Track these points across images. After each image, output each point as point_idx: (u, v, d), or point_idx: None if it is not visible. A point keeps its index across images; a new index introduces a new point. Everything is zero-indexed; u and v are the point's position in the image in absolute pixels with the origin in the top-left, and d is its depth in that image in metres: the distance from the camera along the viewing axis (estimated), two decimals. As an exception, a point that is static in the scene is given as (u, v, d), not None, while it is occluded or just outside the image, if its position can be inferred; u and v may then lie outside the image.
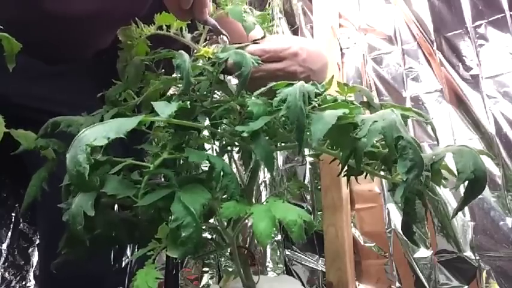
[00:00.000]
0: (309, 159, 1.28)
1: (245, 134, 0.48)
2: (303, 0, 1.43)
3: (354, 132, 0.47)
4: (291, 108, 0.45)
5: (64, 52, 0.87)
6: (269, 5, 1.47)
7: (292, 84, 0.49)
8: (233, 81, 0.63)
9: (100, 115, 0.64)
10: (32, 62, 0.85)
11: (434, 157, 0.51)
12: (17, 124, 0.64)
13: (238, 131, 0.49)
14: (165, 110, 0.46)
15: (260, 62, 0.57)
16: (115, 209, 0.62)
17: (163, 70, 0.70)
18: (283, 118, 0.48)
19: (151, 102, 0.49)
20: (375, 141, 0.48)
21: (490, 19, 1.06)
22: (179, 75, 0.52)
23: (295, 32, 1.44)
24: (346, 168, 0.56)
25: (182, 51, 0.55)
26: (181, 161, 0.56)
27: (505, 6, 1.04)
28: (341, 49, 1.29)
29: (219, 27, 0.70)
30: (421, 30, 1.16)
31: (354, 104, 0.55)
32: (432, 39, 1.13)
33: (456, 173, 0.48)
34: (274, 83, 0.51)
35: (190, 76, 0.52)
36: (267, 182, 1.40)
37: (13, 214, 1.33)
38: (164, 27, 0.67)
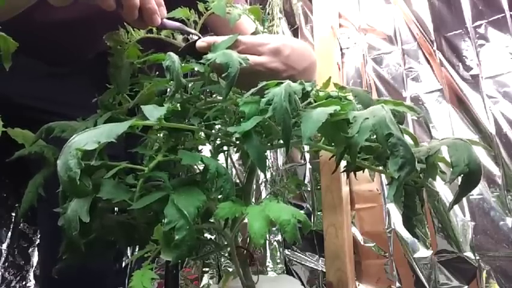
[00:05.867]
0: (309, 159, 1.29)
1: (237, 135, 0.47)
2: (303, 0, 1.43)
3: (348, 127, 0.47)
4: (277, 110, 0.45)
5: (64, 54, 0.87)
6: (269, 5, 1.47)
7: (282, 83, 0.49)
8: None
9: (94, 120, 0.63)
10: (33, 62, 0.85)
11: (429, 150, 0.51)
12: (19, 124, 0.64)
13: (230, 130, 0.49)
14: (154, 113, 0.46)
15: (248, 60, 0.55)
16: (115, 212, 0.62)
17: (157, 73, 0.70)
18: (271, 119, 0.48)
19: (141, 106, 0.49)
20: (370, 137, 0.47)
21: (490, 19, 1.06)
22: (169, 76, 0.52)
23: (295, 32, 1.44)
24: (343, 164, 0.56)
25: (171, 53, 0.54)
26: (176, 163, 0.56)
27: (505, 6, 1.04)
28: (341, 49, 1.29)
29: (184, 27, 0.69)
30: (421, 30, 1.16)
31: (346, 99, 0.55)
32: (432, 39, 1.13)
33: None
34: (265, 82, 0.51)
35: (181, 77, 0.52)
36: (268, 182, 1.40)
37: (13, 214, 1.33)
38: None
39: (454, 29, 1.10)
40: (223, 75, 0.51)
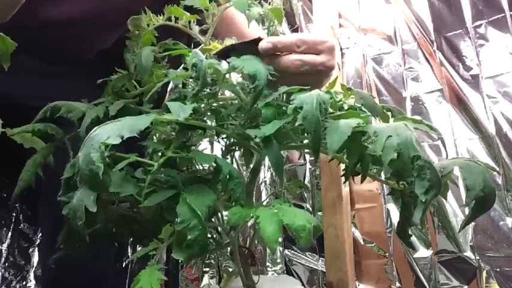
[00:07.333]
0: (309, 159, 1.29)
1: (257, 139, 0.46)
2: (303, 0, 1.44)
3: (363, 138, 0.46)
4: (308, 118, 0.44)
5: (65, 53, 0.87)
6: (269, 5, 1.47)
7: (305, 89, 0.48)
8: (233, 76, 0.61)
9: (104, 106, 0.62)
10: (34, 62, 0.85)
11: (441, 170, 0.50)
12: (20, 124, 0.64)
13: (245, 131, 0.48)
14: (180, 112, 0.45)
15: (275, 73, 0.54)
16: (115, 203, 0.62)
17: (166, 61, 0.69)
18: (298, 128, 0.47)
19: (166, 102, 0.48)
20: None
21: (490, 19, 1.06)
22: (195, 74, 0.51)
23: (295, 32, 1.44)
24: (344, 167, 0.55)
25: (197, 50, 0.54)
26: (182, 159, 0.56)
27: (505, 6, 1.04)
28: (341, 49, 1.29)
29: None
30: (421, 30, 1.16)
31: (361, 110, 0.54)
32: (432, 39, 1.13)
33: (461, 183, 0.48)
34: (288, 88, 0.50)
35: (207, 76, 0.51)
36: (267, 182, 1.40)
37: (13, 214, 1.33)
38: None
39: (454, 29, 1.10)
40: (251, 86, 0.50)
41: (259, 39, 0.62)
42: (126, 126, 0.44)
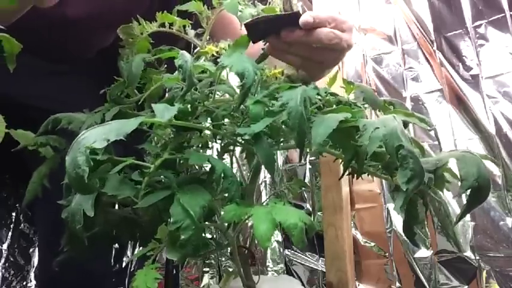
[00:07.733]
0: (309, 159, 1.29)
1: (247, 137, 0.47)
2: (303, 0, 1.44)
3: (356, 134, 0.47)
4: (292, 114, 0.44)
5: (66, 52, 0.87)
6: (269, 5, 1.47)
7: (294, 87, 0.48)
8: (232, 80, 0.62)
9: (101, 113, 0.63)
10: (35, 61, 0.85)
11: (437, 162, 0.50)
12: (21, 124, 0.64)
13: (239, 131, 0.49)
14: (164, 113, 0.46)
15: (263, 68, 0.55)
16: (115, 206, 0.62)
17: (165, 66, 0.69)
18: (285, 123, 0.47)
19: (152, 104, 0.48)
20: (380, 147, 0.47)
21: (490, 19, 1.06)
22: (181, 76, 0.51)
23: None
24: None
25: (184, 52, 0.54)
26: (181, 161, 0.56)
27: (505, 6, 1.04)
28: (341, 49, 1.29)
29: None
30: (421, 30, 1.16)
31: (356, 105, 0.55)
32: (432, 39, 1.13)
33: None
34: (278, 85, 0.51)
35: (193, 77, 0.51)
36: (267, 182, 1.40)
37: (13, 214, 1.33)
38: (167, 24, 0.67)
39: (454, 29, 1.10)
40: (238, 85, 0.51)
41: (299, 14, 0.63)
42: (113, 130, 0.44)
